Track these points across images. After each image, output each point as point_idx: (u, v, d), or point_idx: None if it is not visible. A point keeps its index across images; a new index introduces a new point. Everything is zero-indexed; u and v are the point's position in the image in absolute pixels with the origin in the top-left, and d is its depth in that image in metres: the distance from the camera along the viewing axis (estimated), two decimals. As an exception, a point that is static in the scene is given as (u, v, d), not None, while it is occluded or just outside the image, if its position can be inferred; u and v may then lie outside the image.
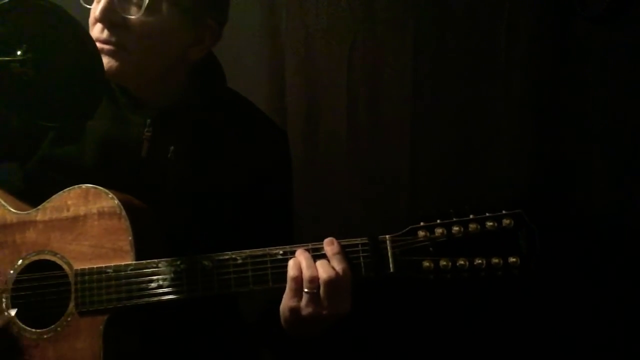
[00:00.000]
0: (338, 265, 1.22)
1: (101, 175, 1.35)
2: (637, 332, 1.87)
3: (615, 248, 1.89)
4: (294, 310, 1.24)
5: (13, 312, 1.28)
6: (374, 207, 2.09)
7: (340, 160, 2.12)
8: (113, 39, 1.29)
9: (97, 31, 1.30)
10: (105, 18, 1.28)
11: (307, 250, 1.25)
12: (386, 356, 2.03)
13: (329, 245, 1.24)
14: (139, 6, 1.28)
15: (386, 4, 2.08)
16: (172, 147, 1.40)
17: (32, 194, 1.37)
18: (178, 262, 1.27)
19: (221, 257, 1.27)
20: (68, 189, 1.33)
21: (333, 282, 1.20)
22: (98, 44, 1.28)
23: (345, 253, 1.24)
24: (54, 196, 1.33)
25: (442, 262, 1.22)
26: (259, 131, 1.52)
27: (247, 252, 1.27)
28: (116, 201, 1.29)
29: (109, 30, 1.29)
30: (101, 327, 1.27)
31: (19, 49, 1.06)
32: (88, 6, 1.33)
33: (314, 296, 1.21)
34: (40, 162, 1.38)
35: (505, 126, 2.02)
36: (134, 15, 1.28)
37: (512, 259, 1.21)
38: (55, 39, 1.09)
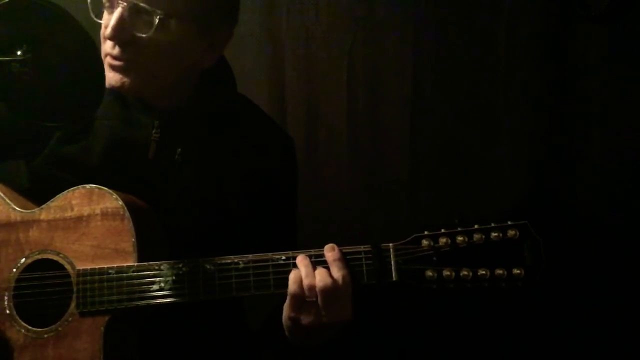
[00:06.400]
0: (337, 273, 1.22)
1: (108, 176, 1.35)
2: (637, 332, 1.87)
3: (615, 248, 1.89)
4: (295, 320, 1.24)
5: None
6: (375, 207, 2.09)
7: (340, 160, 2.12)
8: (124, 56, 1.30)
9: (108, 47, 1.31)
10: (116, 36, 1.28)
11: (309, 257, 1.24)
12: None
13: (330, 252, 1.24)
14: (149, 25, 1.27)
15: (386, 3, 2.08)
16: (179, 150, 1.40)
17: (38, 192, 1.37)
18: (180, 265, 1.27)
19: (223, 261, 1.27)
20: (72, 188, 1.32)
21: (330, 290, 1.20)
22: (109, 60, 1.30)
23: (346, 260, 1.23)
24: (58, 195, 1.33)
25: (445, 272, 1.21)
26: (266, 137, 1.52)
27: (250, 256, 1.26)
28: (120, 202, 1.29)
29: (120, 47, 1.29)
30: (102, 328, 1.26)
31: (19, 49, 1.05)
32: (98, 20, 1.33)
33: (313, 304, 1.21)
34: (47, 161, 1.38)
35: (506, 126, 2.02)
36: (144, 33, 1.28)
37: (516, 271, 1.20)
38: (56, 39, 1.08)
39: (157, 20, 1.26)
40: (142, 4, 1.26)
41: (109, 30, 1.28)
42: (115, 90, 1.34)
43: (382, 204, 2.09)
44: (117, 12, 1.27)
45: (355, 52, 2.10)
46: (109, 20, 1.29)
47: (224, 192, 1.42)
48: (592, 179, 1.94)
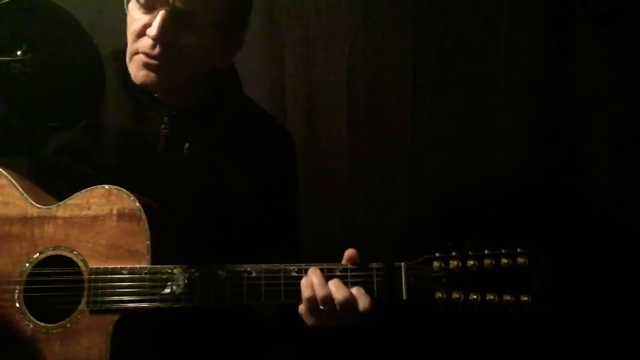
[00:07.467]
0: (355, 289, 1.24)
1: (118, 169, 1.38)
2: (637, 332, 1.87)
3: (615, 248, 1.89)
4: (316, 326, 1.27)
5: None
6: (374, 206, 2.09)
7: (340, 160, 2.12)
8: (162, 56, 1.33)
9: (147, 47, 1.34)
10: (160, 37, 1.31)
11: (322, 270, 1.26)
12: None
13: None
14: (192, 29, 1.33)
15: (386, 3, 2.08)
16: (187, 144, 1.44)
17: (51, 186, 1.39)
18: (192, 270, 1.28)
19: (236, 269, 1.28)
20: (91, 187, 1.34)
21: (349, 302, 1.23)
22: (145, 58, 1.34)
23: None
24: (76, 193, 1.34)
25: (455, 295, 1.23)
26: (268, 133, 1.57)
27: (263, 266, 1.28)
28: (137, 204, 1.30)
29: (161, 48, 1.33)
30: (110, 327, 1.27)
31: (19, 49, 1.06)
32: (134, 16, 1.35)
33: (331, 312, 1.24)
34: (59, 154, 1.40)
35: (506, 125, 2.02)
36: (186, 37, 1.33)
37: (524, 298, 1.22)
38: (55, 39, 1.09)
39: (200, 26, 1.32)
40: (189, 9, 1.31)
41: (154, 32, 1.31)
42: (126, 88, 1.39)
43: (382, 204, 2.09)
44: (162, 14, 1.30)
45: (355, 52, 2.10)
46: (150, 20, 1.32)
47: (228, 186, 1.46)
48: (592, 178, 1.94)
